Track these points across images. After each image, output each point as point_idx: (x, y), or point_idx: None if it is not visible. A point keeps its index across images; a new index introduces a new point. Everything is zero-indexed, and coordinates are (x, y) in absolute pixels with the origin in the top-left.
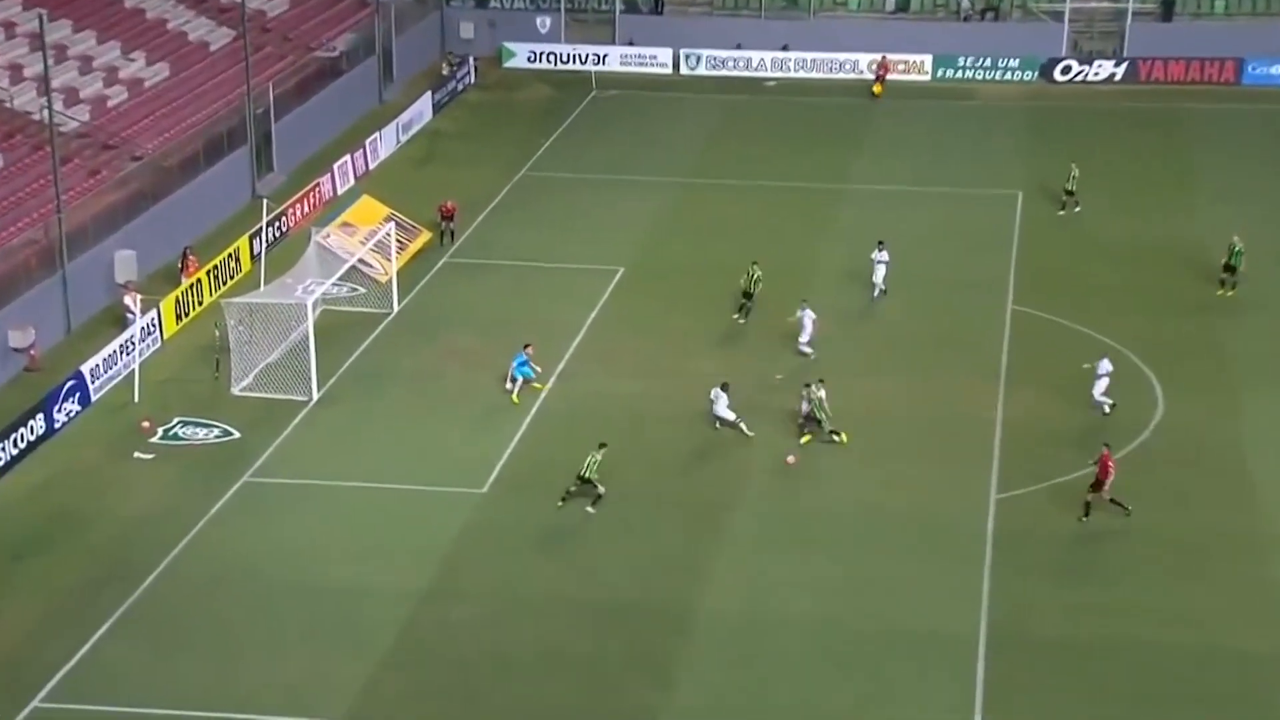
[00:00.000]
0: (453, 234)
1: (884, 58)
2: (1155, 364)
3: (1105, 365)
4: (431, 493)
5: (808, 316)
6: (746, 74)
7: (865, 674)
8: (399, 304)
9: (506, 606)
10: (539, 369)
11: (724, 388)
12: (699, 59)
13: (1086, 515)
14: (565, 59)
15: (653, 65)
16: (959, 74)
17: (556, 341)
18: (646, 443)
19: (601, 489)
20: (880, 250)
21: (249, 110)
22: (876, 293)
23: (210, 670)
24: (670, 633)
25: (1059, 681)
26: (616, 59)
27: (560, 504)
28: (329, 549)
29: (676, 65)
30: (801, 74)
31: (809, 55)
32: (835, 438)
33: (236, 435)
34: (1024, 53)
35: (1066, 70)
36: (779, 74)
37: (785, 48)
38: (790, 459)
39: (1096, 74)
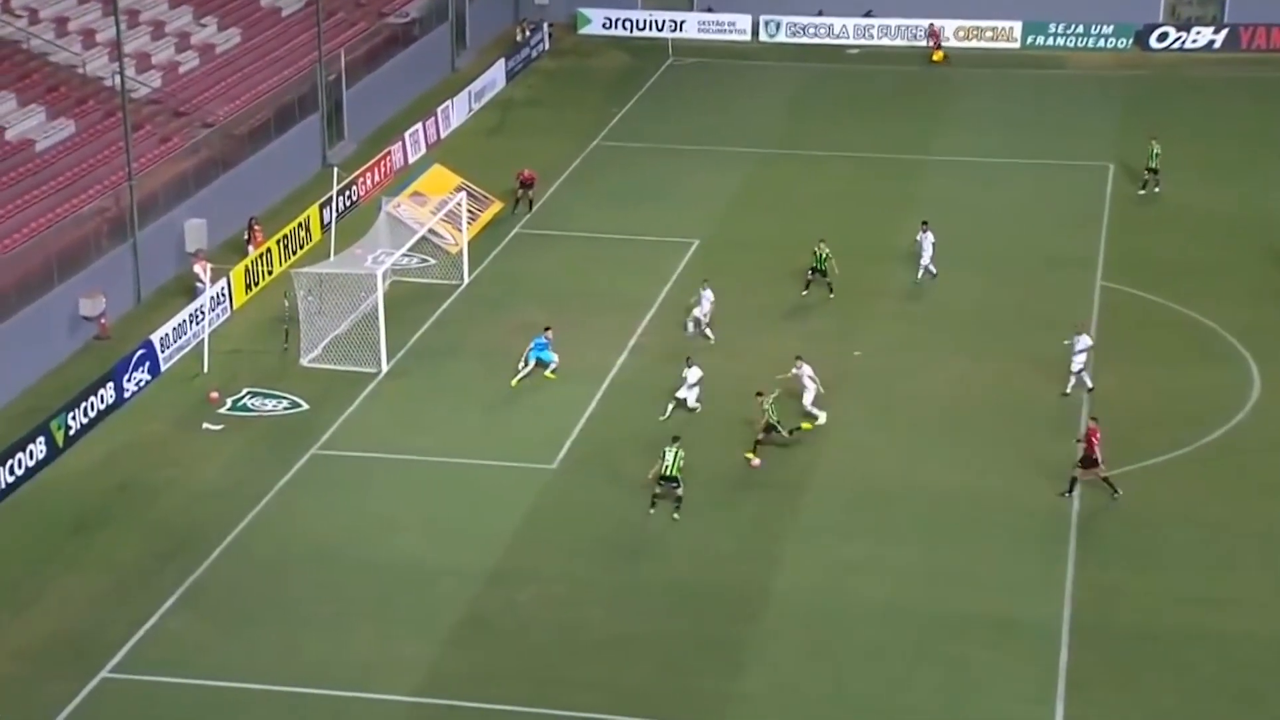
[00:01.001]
0: (530, 202)
1: (932, 24)
2: (1252, 345)
3: (1084, 340)
4: (501, 468)
5: (706, 298)
6: (828, 41)
7: (943, 663)
8: (469, 275)
9: (575, 586)
10: (557, 357)
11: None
12: (779, 26)
13: (1070, 491)
14: (641, 25)
15: (731, 32)
16: (1050, 41)
17: (629, 315)
18: (718, 421)
19: (681, 490)
20: (925, 231)
21: (320, 77)
22: (921, 274)
23: (277, 645)
24: (742, 617)
25: (1144, 672)
26: (694, 26)
27: (651, 510)
28: (397, 524)
29: (755, 32)
30: (885, 41)
31: (893, 21)
32: (799, 429)
33: (305, 407)
34: (1119, 19)
35: (1163, 37)
36: (861, 41)
37: (869, 14)
38: (755, 463)
39: (1195, 41)
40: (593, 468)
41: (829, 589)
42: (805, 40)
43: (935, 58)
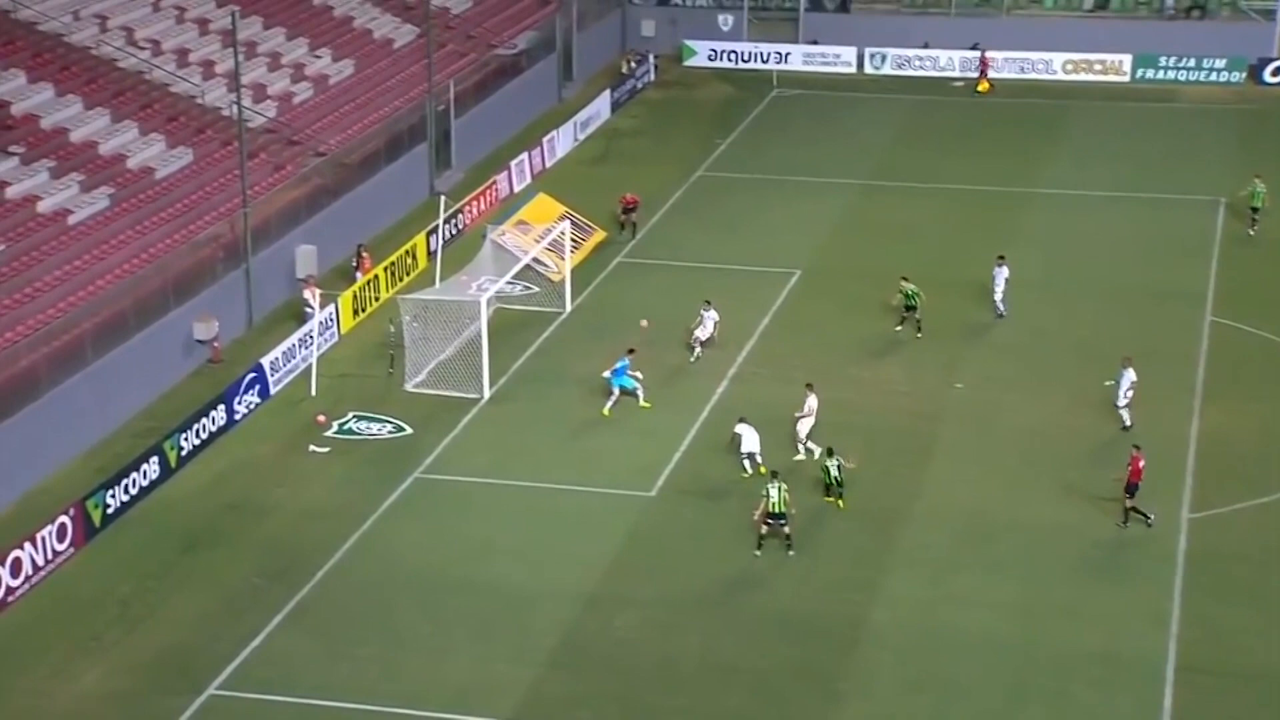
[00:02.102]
0: (634, 226)
1: (983, 52)
2: None
3: (1129, 376)
4: (600, 494)
5: (709, 318)
6: (933, 74)
7: (1044, 698)
8: (571, 303)
9: (673, 613)
10: (640, 380)
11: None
12: (884, 58)
13: (1125, 522)
14: (746, 57)
15: (836, 64)
16: (1160, 75)
17: (730, 344)
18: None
19: (789, 526)
20: (1000, 265)
21: (430, 107)
22: (1001, 309)
23: (378, 665)
24: (840, 647)
25: (1251, 713)
26: (799, 58)
27: (757, 552)
28: (496, 547)
29: (861, 64)
30: (992, 74)
31: (1000, 54)
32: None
33: (409, 431)
34: (1231, 52)
35: (1278, 71)
36: (968, 74)
37: (975, 47)
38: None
39: None
40: (691, 496)
41: (929, 621)
42: (910, 72)
43: (981, 88)
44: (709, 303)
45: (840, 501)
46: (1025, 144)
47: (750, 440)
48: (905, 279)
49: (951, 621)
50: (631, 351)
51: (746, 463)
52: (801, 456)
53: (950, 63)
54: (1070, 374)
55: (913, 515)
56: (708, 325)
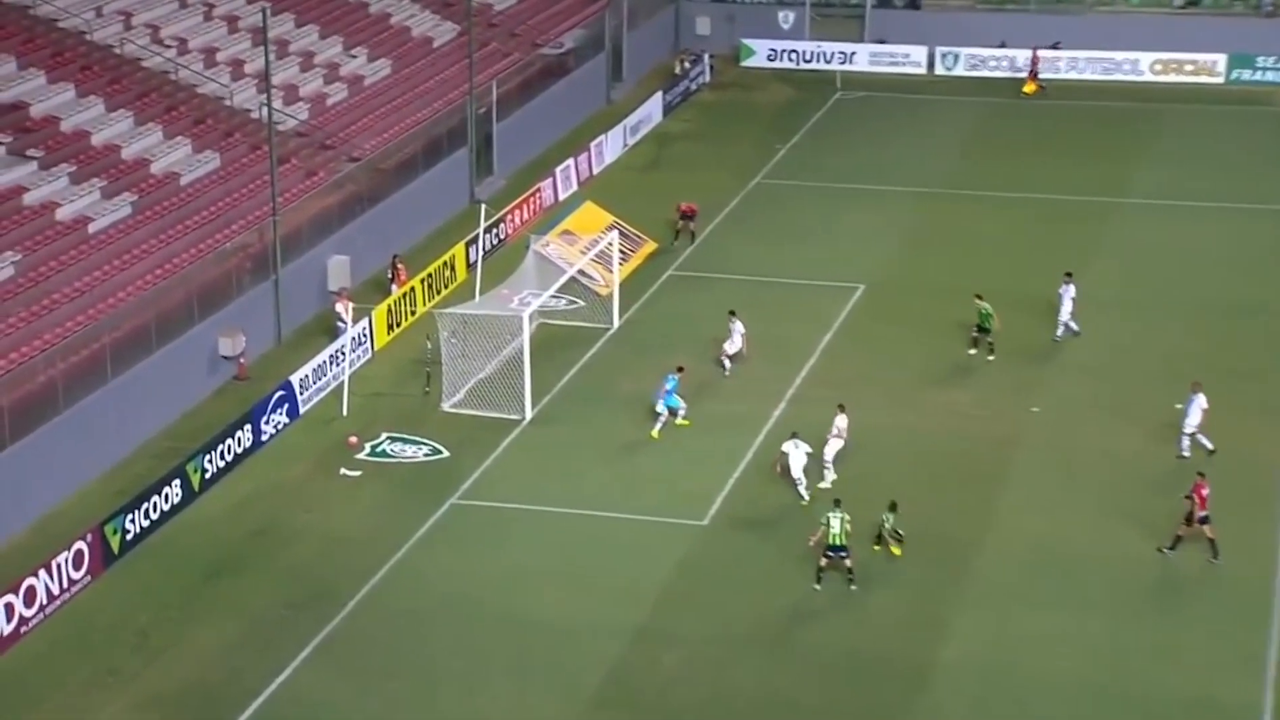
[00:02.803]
0: (692, 235)
1: (1035, 51)
2: None
3: (1199, 400)
4: (648, 523)
5: (736, 330)
6: (1010, 75)
7: None
8: (620, 318)
9: (725, 650)
10: (683, 403)
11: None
12: (957, 58)
13: (1172, 548)
14: (808, 57)
15: (905, 64)
16: (1257, 76)
17: (788, 363)
18: (881, 477)
19: (850, 559)
20: (1067, 283)
21: (471, 110)
22: (1061, 331)
23: (412, 701)
24: (907, 689)
25: None
26: (865, 58)
27: (816, 586)
28: (538, 579)
29: (931, 64)
30: (1074, 75)
31: (1083, 54)
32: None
33: (445, 454)
34: None
35: None
36: (1048, 75)
37: (1056, 45)
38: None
39: None
40: (747, 525)
41: (1004, 661)
42: (985, 73)
43: (1027, 89)
44: (734, 313)
45: (896, 549)
46: (1108, 150)
47: (797, 461)
48: (979, 297)
49: (1026, 662)
50: (680, 369)
51: (802, 488)
52: (827, 484)
53: (1029, 64)
54: (1153, 396)
55: (984, 547)
56: (736, 338)
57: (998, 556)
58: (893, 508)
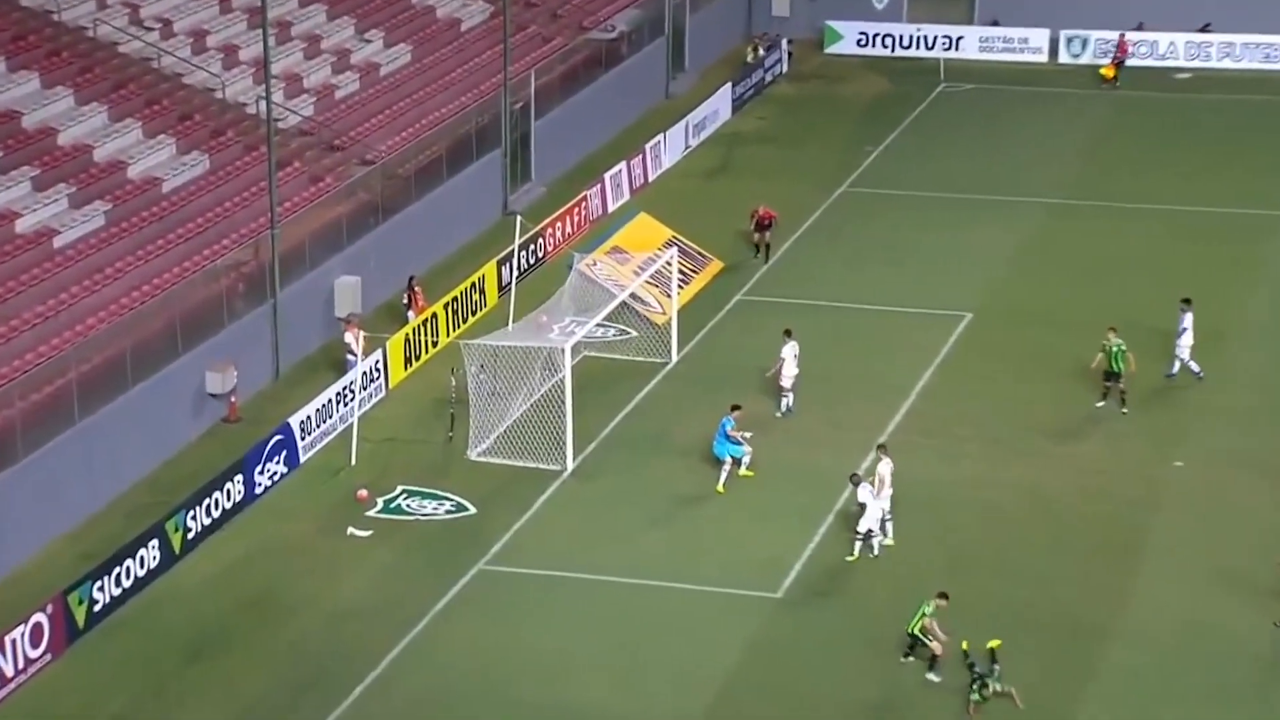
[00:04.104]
0: (768, 248)
1: (1123, 36)
2: None
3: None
4: (711, 594)
5: (790, 353)
6: (1150, 63)
7: None
8: (679, 352)
9: None
10: (748, 443)
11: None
12: (1085, 44)
13: None
14: (906, 43)
15: (1023, 51)
16: None
17: (879, 406)
18: (995, 545)
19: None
20: (1185, 310)
21: (505, 105)
22: (1176, 367)
23: None
24: None
25: None
26: (974, 43)
27: (905, 659)
28: (581, 660)
29: (1054, 51)
30: (1227, 63)
31: (1238, 38)
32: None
33: (472, 511)
34: None
35: None
36: (1195, 63)
37: (1206, 28)
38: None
39: None
40: (829, 598)
41: None
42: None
43: (1104, 72)
44: (789, 333)
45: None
46: (1266, 153)
47: (872, 513)
48: (1113, 330)
49: None
50: (737, 408)
51: (863, 542)
52: (883, 547)
53: (1173, 49)
54: None
55: (1116, 630)
56: (789, 365)
57: (1132, 641)
58: (996, 658)
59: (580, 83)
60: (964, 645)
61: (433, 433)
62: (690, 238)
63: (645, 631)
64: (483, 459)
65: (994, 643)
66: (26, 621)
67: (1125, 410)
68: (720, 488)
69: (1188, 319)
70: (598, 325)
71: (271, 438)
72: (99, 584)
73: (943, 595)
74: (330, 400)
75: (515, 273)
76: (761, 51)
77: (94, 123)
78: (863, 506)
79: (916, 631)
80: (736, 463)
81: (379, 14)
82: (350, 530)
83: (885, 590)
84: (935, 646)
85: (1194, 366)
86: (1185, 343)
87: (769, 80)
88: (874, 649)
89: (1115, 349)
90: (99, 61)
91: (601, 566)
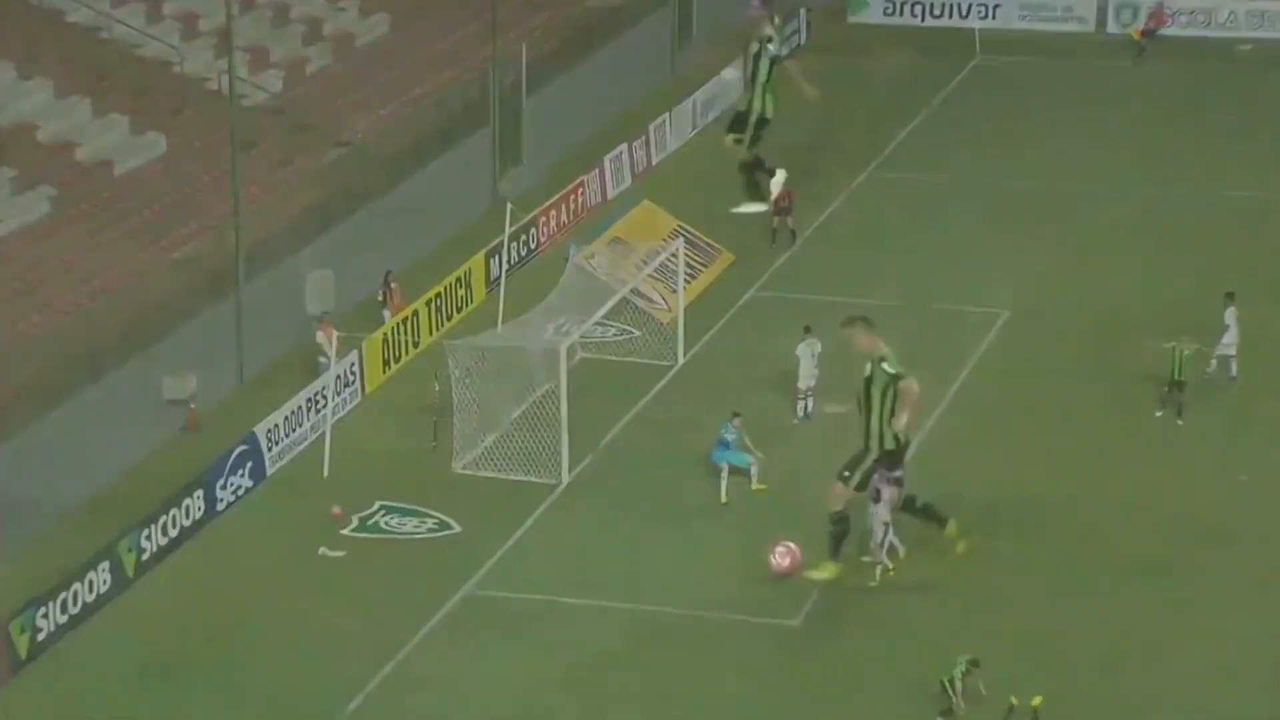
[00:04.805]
0: (792, 234)
1: (1160, 4)
2: None
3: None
4: (722, 622)
5: (808, 353)
6: (1207, 34)
7: None
8: (686, 352)
9: None
10: (757, 453)
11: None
12: (1136, 12)
13: None
14: (938, 12)
15: (1068, 20)
16: None
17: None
18: (1035, 564)
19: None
20: (1230, 304)
21: (493, 80)
22: (1214, 365)
23: None
24: None
25: None
26: (1014, 11)
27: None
28: (577, 692)
29: (1102, 20)
30: None
31: None
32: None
33: (457, 529)
34: None
35: None
36: (1260, 34)
37: None
38: None
39: None
40: (852, 624)
41: None
42: (1176, 31)
43: (1135, 34)
44: (809, 329)
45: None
46: None
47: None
48: (1183, 340)
49: None
50: (737, 416)
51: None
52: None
53: (1234, 18)
54: None
55: (1176, 662)
56: (808, 365)
57: (1194, 674)
58: (975, 665)
59: (577, 56)
60: (1013, 700)
61: (415, 442)
62: (698, 228)
63: (649, 662)
64: (469, 472)
65: (1036, 700)
66: None
67: (1181, 422)
68: (724, 498)
69: (1230, 314)
70: (596, 324)
71: (236, 449)
72: (43, 611)
73: (975, 662)
74: (300, 407)
75: (505, 266)
76: (778, 22)
77: (38, 99)
78: (886, 525)
79: (945, 682)
80: (737, 470)
81: None
82: (322, 550)
83: (910, 610)
84: (956, 702)
85: (1232, 368)
86: (1228, 340)
87: (786, 54)
88: (901, 683)
89: (1182, 356)
90: (44, 32)
91: (599, 591)
